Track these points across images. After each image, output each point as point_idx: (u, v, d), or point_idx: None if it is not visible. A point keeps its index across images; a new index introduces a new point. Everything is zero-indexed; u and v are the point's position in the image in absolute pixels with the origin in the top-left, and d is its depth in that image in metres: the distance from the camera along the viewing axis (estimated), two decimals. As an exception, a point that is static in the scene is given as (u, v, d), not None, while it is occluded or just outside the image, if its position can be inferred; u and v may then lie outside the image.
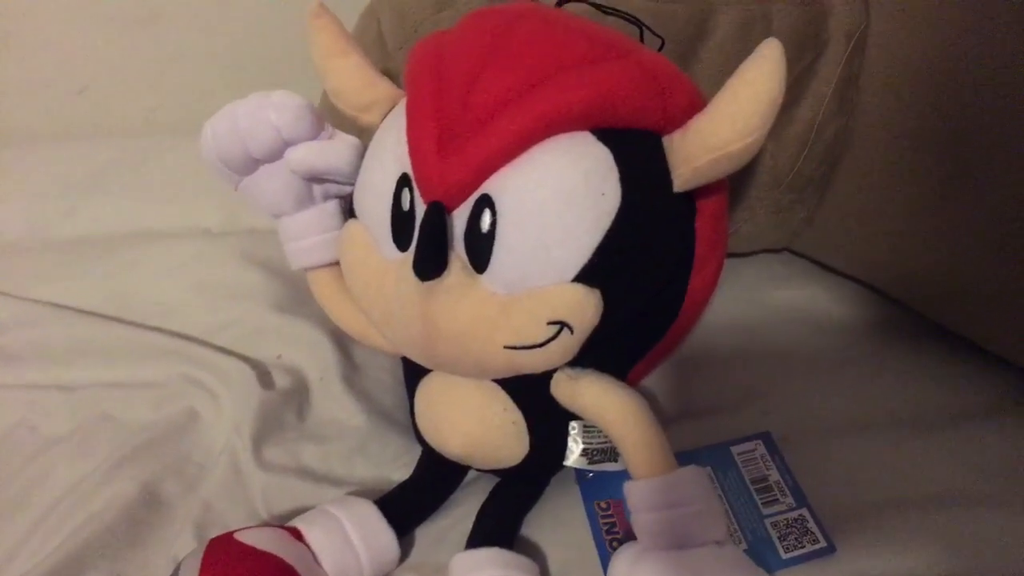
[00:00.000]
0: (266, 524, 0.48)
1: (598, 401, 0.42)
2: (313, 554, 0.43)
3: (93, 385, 0.61)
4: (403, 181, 0.38)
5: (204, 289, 0.70)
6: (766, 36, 0.36)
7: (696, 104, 0.38)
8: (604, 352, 0.41)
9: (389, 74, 0.46)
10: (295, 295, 0.68)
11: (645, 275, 0.39)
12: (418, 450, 0.52)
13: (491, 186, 0.36)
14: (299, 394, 0.60)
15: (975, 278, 0.56)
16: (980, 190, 0.52)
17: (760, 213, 0.64)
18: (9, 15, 0.90)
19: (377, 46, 0.61)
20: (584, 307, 0.37)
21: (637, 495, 0.40)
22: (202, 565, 0.39)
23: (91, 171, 0.87)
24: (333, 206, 0.47)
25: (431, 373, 0.46)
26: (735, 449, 0.53)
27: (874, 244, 0.62)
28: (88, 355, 0.64)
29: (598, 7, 0.46)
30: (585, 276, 0.36)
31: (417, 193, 0.37)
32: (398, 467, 0.54)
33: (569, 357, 0.40)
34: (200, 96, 0.90)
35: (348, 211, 0.46)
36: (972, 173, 0.52)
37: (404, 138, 0.38)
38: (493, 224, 0.36)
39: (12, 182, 0.86)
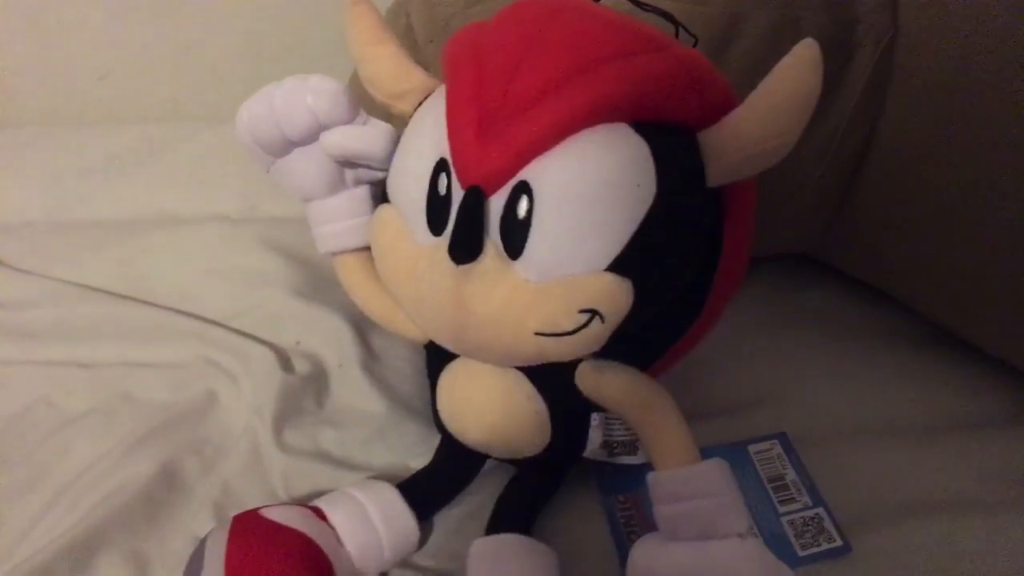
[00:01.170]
0: (288, 503, 0.48)
1: (623, 392, 0.42)
2: (336, 534, 0.43)
3: (113, 364, 0.62)
4: (440, 166, 0.39)
5: (223, 275, 0.71)
6: (795, 41, 0.36)
7: (730, 101, 0.39)
8: (629, 345, 0.42)
9: (420, 66, 0.47)
10: (314, 282, 0.69)
11: (676, 268, 0.40)
12: (436, 439, 0.53)
13: (529, 173, 0.36)
14: (318, 380, 0.60)
15: (993, 288, 0.56)
16: (1001, 201, 0.53)
17: (781, 219, 0.64)
18: (34, 2, 0.91)
19: (406, 39, 0.62)
20: (616, 296, 0.37)
21: (660, 486, 0.41)
22: (229, 538, 0.39)
23: (111, 156, 0.87)
24: (364, 192, 0.47)
25: (455, 360, 0.47)
26: (752, 448, 0.53)
27: (893, 252, 0.63)
28: (109, 334, 0.64)
29: (636, 3, 0.47)
30: (618, 266, 0.37)
31: (455, 178, 0.38)
32: (416, 455, 0.54)
33: (598, 347, 0.40)
34: (220, 84, 0.92)
35: (378, 197, 0.46)
36: (994, 183, 0.53)
37: (443, 124, 0.38)
38: (530, 211, 0.36)
39: (32, 164, 0.87)
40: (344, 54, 0.46)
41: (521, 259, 0.37)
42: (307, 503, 0.46)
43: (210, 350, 0.62)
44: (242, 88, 0.44)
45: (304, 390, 0.58)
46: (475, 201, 0.36)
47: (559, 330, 0.38)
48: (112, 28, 0.93)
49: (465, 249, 0.36)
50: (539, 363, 0.42)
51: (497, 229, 0.37)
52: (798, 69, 0.35)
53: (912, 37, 0.56)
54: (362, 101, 0.45)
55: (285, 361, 0.61)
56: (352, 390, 0.60)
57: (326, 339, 0.63)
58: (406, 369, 0.62)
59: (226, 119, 0.44)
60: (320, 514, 0.44)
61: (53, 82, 0.96)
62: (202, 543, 0.41)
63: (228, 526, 0.41)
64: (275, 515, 0.41)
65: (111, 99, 0.96)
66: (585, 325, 0.38)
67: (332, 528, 0.43)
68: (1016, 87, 0.50)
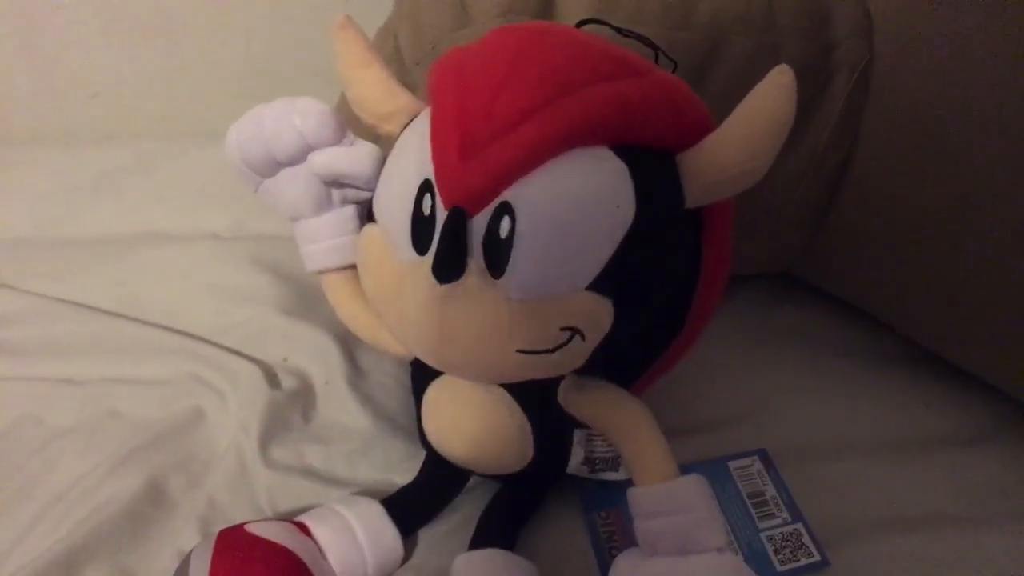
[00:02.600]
0: (273, 519, 0.48)
1: (604, 409, 0.43)
2: (320, 549, 0.43)
3: (100, 380, 0.62)
4: (425, 186, 0.39)
5: (211, 292, 0.71)
6: (773, 66, 0.37)
7: (708, 124, 0.40)
8: (611, 363, 0.43)
9: (407, 88, 0.48)
10: (302, 299, 0.69)
11: (655, 287, 0.41)
12: (421, 456, 0.53)
13: (511, 194, 0.37)
14: (304, 396, 0.61)
15: (968, 307, 0.57)
16: (977, 222, 0.54)
17: (760, 238, 0.65)
18: (26, 20, 0.91)
19: (394, 62, 0.63)
20: (596, 315, 0.38)
21: (640, 501, 0.41)
22: (214, 553, 0.40)
23: (101, 174, 0.88)
24: (351, 211, 0.48)
25: (439, 377, 0.47)
26: (732, 464, 0.54)
27: (870, 271, 0.64)
28: (96, 351, 0.64)
29: (617, 29, 0.48)
30: (598, 285, 0.37)
31: (438, 198, 0.39)
32: (401, 471, 0.54)
33: (578, 364, 0.41)
34: (211, 103, 0.92)
35: (364, 217, 0.47)
36: (969, 205, 0.54)
37: (427, 145, 0.39)
38: (512, 231, 0.37)
39: (23, 181, 0.87)
40: (334, 75, 0.47)
41: (503, 278, 0.38)
42: (292, 518, 0.46)
43: (197, 366, 0.62)
44: (233, 107, 0.45)
45: (290, 406, 0.59)
46: (458, 221, 0.37)
47: (540, 348, 0.39)
48: (104, 47, 0.93)
49: (448, 268, 0.37)
50: (521, 380, 0.43)
51: (480, 249, 0.38)
52: (773, 94, 0.37)
53: (888, 62, 0.57)
54: (350, 122, 0.46)
55: (272, 377, 0.61)
56: (338, 406, 0.60)
57: (313, 356, 0.64)
58: (392, 386, 0.62)
59: (216, 137, 0.45)
60: (305, 529, 0.44)
61: (44, 100, 0.96)
62: (187, 558, 0.41)
63: (213, 541, 0.41)
64: (260, 530, 0.42)
65: (103, 117, 0.97)
66: (566, 343, 0.38)
67: (316, 543, 0.44)
68: (990, 111, 0.51)
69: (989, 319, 0.56)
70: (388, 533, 0.46)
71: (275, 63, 0.90)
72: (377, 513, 0.46)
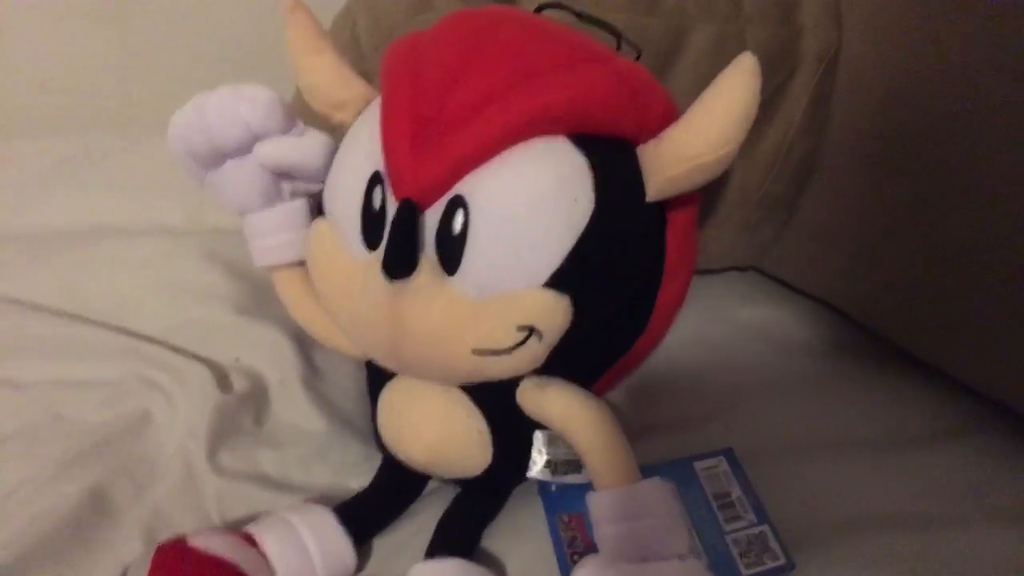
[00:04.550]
0: (219, 529, 0.46)
1: (564, 410, 0.41)
2: (267, 560, 0.41)
3: (43, 382, 0.59)
4: (375, 179, 0.38)
5: (163, 288, 0.69)
6: (738, 54, 0.36)
7: (671, 114, 0.38)
8: (571, 362, 0.41)
9: (364, 75, 0.46)
10: (256, 297, 0.67)
11: (616, 284, 0.39)
12: (378, 458, 0.51)
13: (465, 187, 0.36)
14: (257, 398, 0.58)
15: (937, 302, 0.57)
16: (945, 214, 0.53)
17: (728, 230, 0.64)
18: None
19: (352, 47, 0.61)
20: (554, 313, 0.37)
21: (599, 506, 0.40)
22: (151, 570, 0.37)
23: (50, 166, 0.84)
24: (301, 204, 0.46)
25: (395, 379, 0.46)
26: (698, 465, 0.53)
27: (839, 265, 0.63)
28: (39, 352, 0.61)
29: (577, 15, 0.46)
30: (556, 282, 0.36)
31: (389, 191, 0.37)
32: (357, 475, 0.52)
33: (536, 364, 0.39)
34: (164, 92, 0.88)
35: (316, 210, 0.45)
36: (938, 197, 0.53)
37: (378, 135, 0.38)
38: (465, 225, 0.36)
39: (-32, 175, 0.84)
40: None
41: (457, 275, 0.36)
42: (239, 528, 0.44)
43: (144, 367, 0.59)
44: (186, 97, 0.43)
45: (242, 409, 0.57)
46: (408, 215, 0.35)
47: (497, 347, 0.37)
48: (53, 36, 0.90)
49: (399, 265, 0.35)
50: (478, 381, 0.41)
51: (433, 244, 0.37)
52: (736, 82, 0.35)
53: (855, 51, 0.57)
54: (302, 111, 0.44)
55: (223, 378, 0.59)
56: (293, 408, 0.58)
57: (267, 355, 0.62)
58: (349, 386, 0.60)
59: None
60: (251, 539, 0.42)
61: (-8, 92, 0.93)
62: (124, 574, 0.39)
63: (150, 558, 0.39)
64: (201, 543, 0.39)
65: (51, 107, 0.93)
66: (523, 342, 0.37)
67: (263, 555, 0.42)
68: (961, 101, 0.50)
69: (959, 315, 0.56)
70: (340, 542, 0.44)
71: (230, 51, 0.87)
72: (329, 521, 0.44)
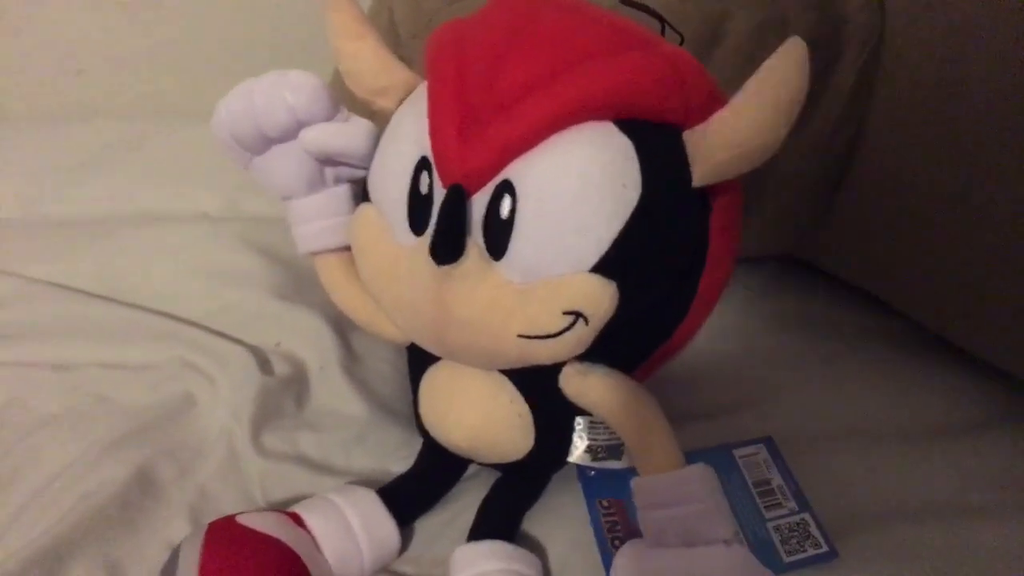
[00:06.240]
0: (265, 509, 0.47)
1: (608, 395, 0.41)
2: (314, 540, 0.42)
3: (88, 365, 0.60)
4: (422, 164, 0.38)
5: (202, 274, 0.70)
6: (781, 40, 0.35)
7: (717, 99, 0.38)
8: (614, 348, 0.41)
9: (402, 62, 0.46)
10: (295, 282, 0.68)
11: (661, 270, 0.39)
12: (418, 443, 0.52)
13: (512, 172, 0.36)
14: (298, 382, 0.59)
15: (978, 290, 0.56)
16: (987, 203, 0.53)
17: (767, 217, 0.64)
18: (10, -1, 0.89)
19: (390, 34, 0.61)
20: (600, 298, 0.36)
21: (645, 491, 0.40)
22: (204, 546, 0.38)
23: (88, 152, 0.86)
24: (344, 190, 0.46)
25: (437, 363, 0.46)
26: (738, 452, 0.53)
27: (879, 253, 0.63)
28: (84, 335, 0.63)
29: (621, 0, 0.46)
30: (602, 267, 0.36)
31: (436, 177, 0.37)
32: (397, 459, 0.53)
33: (581, 349, 0.39)
34: (200, 79, 0.90)
35: (359, 196, 0.45)
36: (980, 186, 0.53)
37: (424, 121, 0.38)
38: (513, 210, 0.36)
39: (8, 161, 0.85)
40: (326, 49, 0.45)
41: (504, 260, 0.36)
42: (285, 509, 0.45)
43: (187, 351, 0.60)
44: (223, 83, 0.43)
45: (283, 392, 0.57)
46: (457, 200, 0.35)
47: (542, 332, 0.37)
48: (90, 24, 0.91)
49: (447, 250, 0.35)
50: (522, 366, 0.41)
51: (480, 229, 0.37)
52: (785, 67, 0.35)
53: (899, 37, 0.56)
54: (343, 98, 0.45)
55: (264, 363, 0.60)
56: (333, 392, 0.59)
57: (307, 340, 0.62)
58: (388, 371, 0.61)
59: (206, 115, 0.43)
60: (298, 520, 0.43)
61: (30, 78, 0.94)
62: (175, 551, 0.40)
63: (203, 533, 0.40)
64: (251, 521, 0.40)
65: (89, 95, 0.95)
66: (569, 327, 0.37)
67: (310, 534, 0.42)
68: (1005, 88, 0.50)
69: (997, 301, 0.55)
70: (385, 523, 0.45)
71: (265, 37, 0.88)
72: (373, 503, 0.45)
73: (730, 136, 0.36)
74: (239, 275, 0.69)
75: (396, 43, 0.60)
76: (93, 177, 0.83)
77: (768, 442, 0.53)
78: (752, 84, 0.36)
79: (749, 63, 0.36)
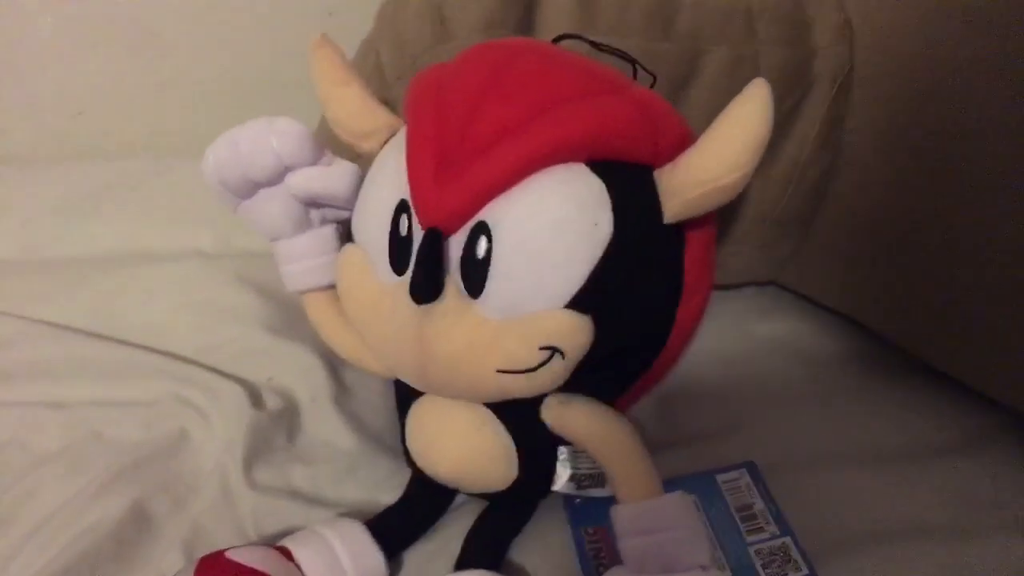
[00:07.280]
0: (256, 543, 0.48)
1: (587, 426, 0.42)
2: (303, 574, 0.43)
3: (84, 403, 0.61)
4: (402, 207, 0.39)
5: (196, 310, 0.71)
6: (754, 76, 0.37)
7: (686, 139, 0.40)
8: (593, 380, 0.42)
9: (388, 103, 0.47)
10: (287, 318, 0.69)
11: (636, 303, 0.40)
12: (407, 474, 0.53)
13: (487, 214, 0.37)
14: (289, 416, 0.60)
15: (953, 313, 0.57)
16: (960, 231, 0.54)
17: (746, 247, 0.65)
18: (8, 38, 0.91)
19: (375, 76, 0.62)
20: (576, 333, 0.38)
21: (623, 519, 0.41)
22: (193, 583, 0.39)
23: (86, 192, 0.87)
24: (330, 231, 0.47)
25: (422, 397, 0.47)
26: (720, 477, 0.53)
27: (856, 279, 0.64)
28: (80, 373, 0.64)
29: (594, 44, 0.48)
30: (577, 303, 0.37)
31: (415, 219, 0.38)
32: (387, 490, 0.54)
33: (560, 383, 0.40)
34: (195, 120, 0.92)
35: (345, 236, 0.47)
36: (951, 210, 0.54)
37: (403, 165, 0.39)
38: (488, 251, 0.37)
39: (8, 202, 0.87)
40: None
41: (481, 298, 0.38)
42: (275, 543, 0.46)
43: (181, 387, 0.61)
44: (217, 123, 0.45)
45: (275, 426, 0.58)
46: (434, 243, 0.37)
47: (520, 367, 0.38)
48: (88, 64, 0.93)
49: (425, 290, 0.37)
50: (503, 399, 0.42)
51: (457, 269, 0.38)
52: (749, 108, 0.36)
53: (869, 71, 0.57)
54: (329, 141, 0.46)
55: (256, 397, 0.61)
56: (324, 425, 0.60)
57: (298, 374, 0.63)
58: (378, 404, 0.62)
59: (202, 154, 0.45)
60: (287, 554, 0.44)
61: (29, 119, 0.96)
62: (167, 586, 0.41)
63: (193, 568, 0.41)
64: (240, 556, 0.41)
65: (88, 135, 0.96)
66: (546, 362, 0.38)
67: (299, 568, 0.43)
68: (974, 119, 0.51)
69: (976, 325, 0.56)
70: (372, 555, 0.45)
71: (260, 79, 0.90)
72: (361, 534, 0.46)
73: (699, 174, 0.37)
74: (232, 311, 0.70)
75: (382, 85, 0.62)
76: (91, 217, 0.84)
77: (750, 466, 0.54)
78: (719, 124, 0.37)
79: (723, 99, 0.37)
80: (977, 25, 0.50)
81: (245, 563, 0.41)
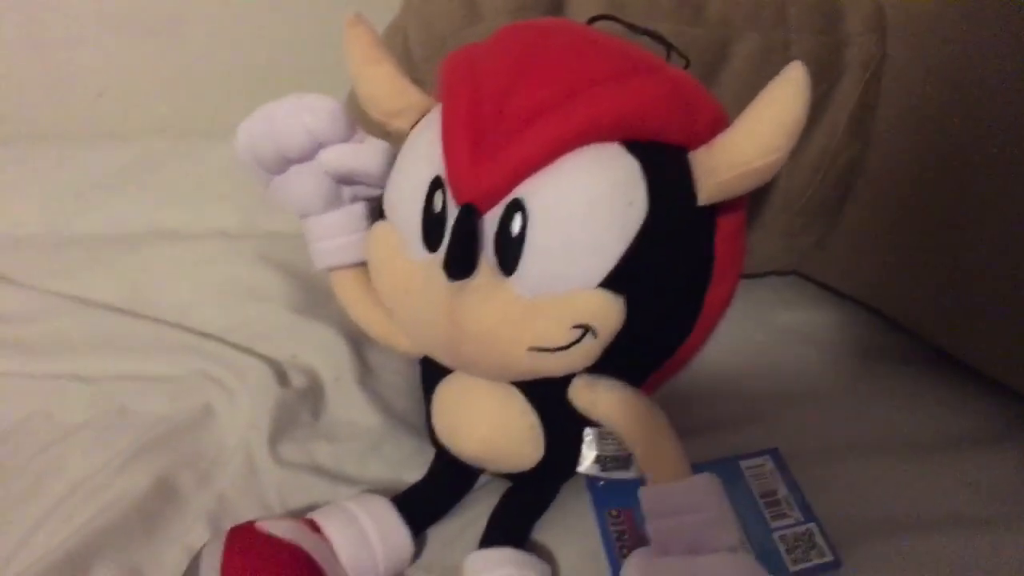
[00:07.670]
0: (283, 516, 0.48)
1: (616, 406, 0.42)
2: (331, 546, 0.43)
3: (110, 377, 0.62)
4: (436, 183, 0.39)
5: (220, 289, 0.72)
6: (784, 63, 0.37)
7: (721, 121, 0.40)
8: (622, 361, 0.42)
9: (416, 84, 0.48)
10: (311, 297, 0.69)
11: (668, 284, 0.40)
12: (431, 453, 0.53)
13: (523, 191, 0.37)
14: (314, 394, 0.61)
15: (980, 306, 0.57)
16: (988, 221, 0.53)
17: (772, 235, 0.65)
18: (32, 19, 0.91)
19: (404, 58, 0.63)
20: (608, 312, 0.38)
21: (651, 500, 0.41)
22: (224, 551, 0.39)
23: (110, 171, 0.88)
24: (360, 208, 0.48)
25: (450, 375, 0.47)
26: (744, 463, 0.53)
27: (882, 270, 0.64)
28: (106, 348, 0.64)
29: (628, 25, 0.48)
30: (610, 282, 0.37)
31: (449, 195, 0.38)
32: (411, 468, 0.54)
33: (590, 362, 0.41)
34: (218, 101, 0.92)
35: (375, 213, 0.47)
36: (982, 203, 0.54)
37: (438, 142, 0.39)
38: (523, 228, 0.37)
39: (32, 180, 0.87)
40: (343, 72, 0.47)
41: (515, 276, 0.38)
42: (302, 516, 0.46)
43: (207, 364, 0.62)
44: (242, 104, 0.45)
45: (300, 404, 0.59)
46: (469, 219, 0.37)
47: (552, 345, 0.39)
48: (111, 45, 0.93)
49: (459, 266, 0.37)
50: (533, 378, 0.42)
51: (491, 246, 0.38)
52: (786, 91, 0.36)
53: (900, 60, 0.57)
54: (359, 119, 0.46)
55: (281, 375, 0.61)
56: (348, 404, 0.60)
57: (322, 353, 0.64)
58: (401, 383, 0.62)
59: (225, 135, 0.45)
60: (315, 527, 0.44)
61: (52, 98, 0.96)
62: (197, 556, 0.41)
63: (223, 539, 0.41)
64: (270, 528, 0.42)
65: (110, 115, 0.97)
66: (578, 340, 0.38)
67: (327, 541, 0.44)
68: (1005, 110, 0.51)
69: (997, 318, 0.56)
70: (399, 531, 0.46)
71: (282, 60, 0.90)
72: (388, 511, 0.46)
73: (733, 156, 0.37)
74: (256, 290, 0.71)
75: (410, 65, 0.62)
76: (115, 196, 0.85)
77: (774, 453, 0.54)
78: (754, 106, 0.37)
79: (753, 85, 0.37)
80: (1013, 15, 0.49)
81: (276, 534, 0.41)
